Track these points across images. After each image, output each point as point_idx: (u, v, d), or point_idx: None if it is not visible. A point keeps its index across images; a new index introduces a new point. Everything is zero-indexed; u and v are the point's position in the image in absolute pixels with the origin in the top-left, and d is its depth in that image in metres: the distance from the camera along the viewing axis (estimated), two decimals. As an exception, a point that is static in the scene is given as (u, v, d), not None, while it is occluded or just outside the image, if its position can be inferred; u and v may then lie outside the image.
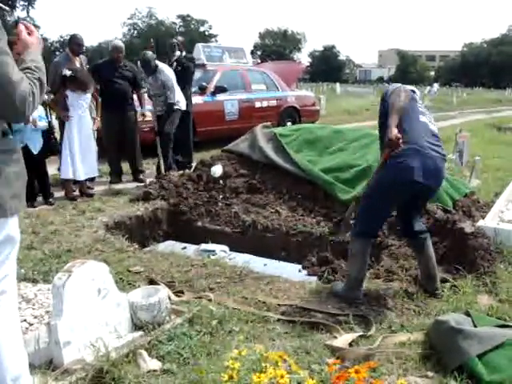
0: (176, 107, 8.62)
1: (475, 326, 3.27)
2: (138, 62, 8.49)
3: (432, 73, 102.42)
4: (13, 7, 48.39)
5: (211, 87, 12.37)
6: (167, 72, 8.45)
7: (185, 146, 9.65)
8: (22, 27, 2.38)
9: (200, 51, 13.45)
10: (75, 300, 2.94)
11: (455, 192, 5.95)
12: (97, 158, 7.78)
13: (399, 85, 4.13)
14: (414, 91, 4.26)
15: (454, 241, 4.83)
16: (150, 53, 8.36)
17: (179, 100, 8.72)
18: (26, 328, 3.19)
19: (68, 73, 7.31)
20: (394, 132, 3.71)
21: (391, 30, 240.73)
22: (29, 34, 2.39)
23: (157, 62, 8.43)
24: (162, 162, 8.60)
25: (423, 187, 3.90)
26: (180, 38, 10.31)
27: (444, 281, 4.29)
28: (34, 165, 6.53)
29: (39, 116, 6.80)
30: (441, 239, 4.96)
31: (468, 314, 3.49)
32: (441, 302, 4.00)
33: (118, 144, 8.55)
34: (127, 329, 3.31)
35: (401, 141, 3.72)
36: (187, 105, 9.25)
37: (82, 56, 8.40)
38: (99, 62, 9.34)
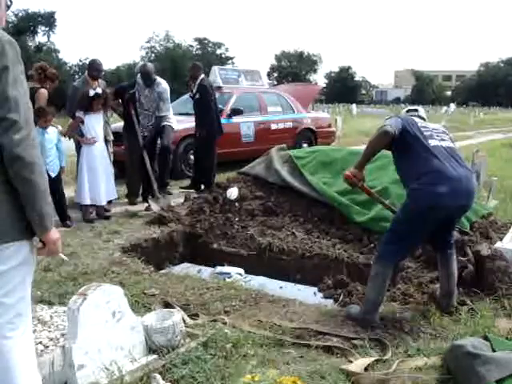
0: (166, 123, 8.60)
1: (494, 351, 3.23)
2: (138, 76, 8.43)
3: (449, 93, 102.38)
4: (34, 33, 49.24)
5: (227, 109, 12.43)
6: (164, 85, 8.46)
7: (207, 169, 9.67)
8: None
9: (216, 74, 13.53)
10: (90, 323, 2.95)
11: (472, 213, 5.89)
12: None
13: (389, 122, 4.03)
14: (416, 110, 4.26)
15: (470, 263, 4.78)
16: (150, 64, 8.42)
17: (170, 117, 8.76)
18: (42, 350, 3.19)
19: (92, 92, 7.44)
20: (348, 172, 4.03)
21: (407, 50, 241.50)
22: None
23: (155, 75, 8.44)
24: (153, 179, 8.32)
25: (456, 208, 3.90)
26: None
27: (462, 303, 4.25)
28: (51, 187, 6.58)
29: (57, 137, 6.94)
30: (457, 261, 4.91)
31: (486, 338, 3.44)
32: (458, 326, 3.95)
33: (140, 165, 8.58)
34: (141, 352, 3.31)
35: (356, 181, 4.01)
36: (215, 128, 9.37)
37: (100, 80, 8.50)
38: (123, 84, 9.46)
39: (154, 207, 7.81)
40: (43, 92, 7.43)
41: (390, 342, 3.64)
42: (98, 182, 7.37)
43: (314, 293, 5.29)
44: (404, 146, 3.97)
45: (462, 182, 3.84)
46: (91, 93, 7.46)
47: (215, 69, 13.96)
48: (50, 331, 3.46)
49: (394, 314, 4.12)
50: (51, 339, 3.35)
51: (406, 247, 4.07)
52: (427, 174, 3.81)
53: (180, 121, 10.37)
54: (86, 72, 8.61)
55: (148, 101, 8.42)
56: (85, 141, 7.47)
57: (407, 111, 4.68)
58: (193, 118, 10.17)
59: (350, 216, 6.14)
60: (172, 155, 9.21)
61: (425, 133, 4.03)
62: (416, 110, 4.51)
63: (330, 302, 4.85)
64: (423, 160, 3.87)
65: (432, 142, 3.97)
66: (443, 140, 4.06)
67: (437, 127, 4.27)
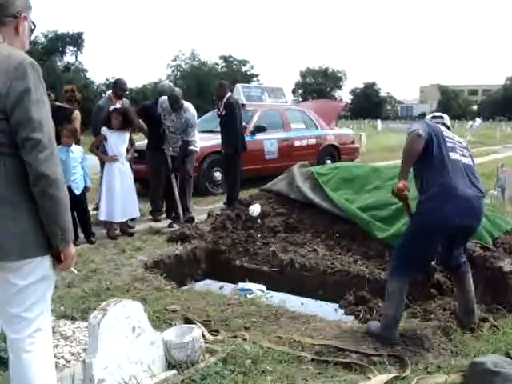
0: (192, 147, 8.55)
1: (516, 368, 3.20)
2: (161, 98, 8.43)
3: (475, 107, 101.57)
4: (63, 53, 50.06)
5: (250, 127, 12.49)
6: (192, 110, 8.39)
7: (231, 186, 9.78)
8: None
9: (239, 91, 13.63)
10: (110, 338, 2.99)
11: (495, 229, 5.85)
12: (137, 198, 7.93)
13: (418, 126, 3.98)
14: (442, 117, 4.23)
15: (492, 279, 4.75)
16: (178, 89, 8.37)
17: (196, 141, 8.71)
18: (63, 365, 3.25)
19: (112, 107, 7.57)
20: (400, 184, 3.82)
21: (433, 65, 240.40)
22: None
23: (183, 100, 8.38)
24: (179, 203, 8.35)
25: (460, 228, 3.87)
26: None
27: (483, 320, 4.22)
28: (76, 203, 6.69)
29: (82, 156, 7.07)
30: (479, 277, 4.88)
31: (509, 356, 3.42)
32: (480, 343, 3.92)
33: (164, 183, 8.67)
34: (161, 367, 3.34)
35: (407, 193, 3.83)
36: (240, 145, 9.50)
37: (124, 99, 8.62)
38: (147, 102, 9.59)
39: (177, 225, 7.92)
40: (78, 114, 7.65)
41: (410, 358, 3.63)
42: (115, 199, 7.46)
43: (335, 309, 5.29)
44: (426, 153, 3.90)
45: (470, 203, 3.80)
46: (110, 108, 7.60)
47: (239, 86, 14.09)
48: (72, 346, 3.53)
49: (414, 330, 4.09)
50: (73, 354, 3.42)
51: (416, 261, 4.05)
52: (437, 188, 3.79)
53: (204, 138, 10.48)
54: (111, 91, 8.76)
55: (174, 125, 8.39)
56: (106, 158, 7.58)
57: (432, 117, 4.56)
58: (217, 136, 10.31)
59: (372, 232, 6.13)
60: (196, 172, 9.25)
61: (448, 144, 3.99)
62: (441, 117, 4.44)
63: (350, 318, 4.85)
64: (438, 173, 3.84)
65: (452, 155, 3.93)
66: (464, 156, 4.03)
67: (461, 140, 4.23)
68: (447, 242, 4.07)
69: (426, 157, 3.90)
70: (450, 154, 3.94)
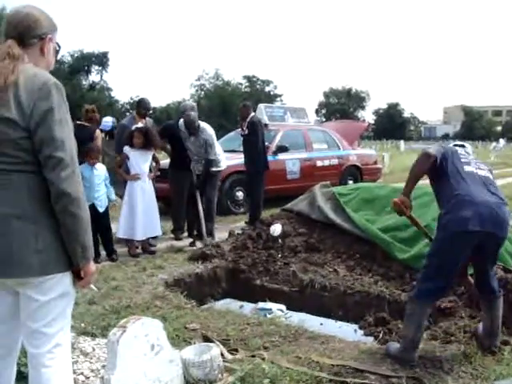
0: (214, 168, 8.52)
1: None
2: (180, 121, 8.43)
3: (499, 128, 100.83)
4: (88, 72, 50.88)
5: (273, 147, 12.54)
6: (209, 130, 8.35)
7: (252, 205, 9.85)
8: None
9: (262, 111, 13.70)
10: (129, 355, 3.01)
11: (518, 250, 5.79)
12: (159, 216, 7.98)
13: (434, 148, 4.07)
14: (463, 145, 4.23)
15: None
16: (193, 113, 8.33)
17: (221, 159, 8.68)
18: (83, 381, 3.28)
19: (134, 126, 7.67)
20: (396, 199, 3.95)
21: (456, 86, 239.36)
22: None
23: (199, 121, 8.35)
24: (203, 222, 8.26)
25: (483, 235, 3.80)
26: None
27: (505, 343, 4.17)
28: (99, 221, 6.76)
29: (106, 174, 7.18)
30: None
31: (529, 380, 3.38)
32: (500, 366, 3.87)
33: (187, 202, 8.71)
34: (179, 385, 3.36)
35: (404, 209, 3.93)
36: (262, 164, 9.59)
37: (148, 119, 8.71)
38: (170, 122, 9.69)
39: (199, 244, 7.95)
40: (100, 133, 7.80)
41: (429, 381, 3.60)
42: (136, 217, 7.52)
43: (355, 330, 5.27)
44: (441, 172, 3.93)
45: (488, 208, 3.73)
46: (133, 127, 7.70)
47: (261, 106, 14.18)
48: (91, 362, 3.56)
49: (434, 352, 4.06)
50: (92, 370, 3.45)
51: (442, 283, 3.96)
52: (454, 198, 3.76)
53: (226, 157, 10.53)
54: (135, 110, 8.87)
55: (195, 147, 8.38)
56: (128, 177, 7.65)
57: (454, 145, 4.53)
58: (239, 155, 10.40)
59: (392, 253, 6.11)
60: (218, 191, 9.26)
61: (462, 159, 4.00)
62: (463, 146, 4.46)
63: (370, 339, 4.82)
64: (454, 185, 3.83)
65: (467, 168, 3.93)
66: (480, 169, 4.01)
67: (479, 160, 4.23)
68: (476, 258, 4.00)
69: (441, 175, 3.93)
70: (465, 167, 3.94)
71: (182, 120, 8.35)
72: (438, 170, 3.94)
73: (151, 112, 9.35)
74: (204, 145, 8.26)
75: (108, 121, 10.19)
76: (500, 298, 4.12)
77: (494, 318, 4.09)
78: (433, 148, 4.00)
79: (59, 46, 2.67)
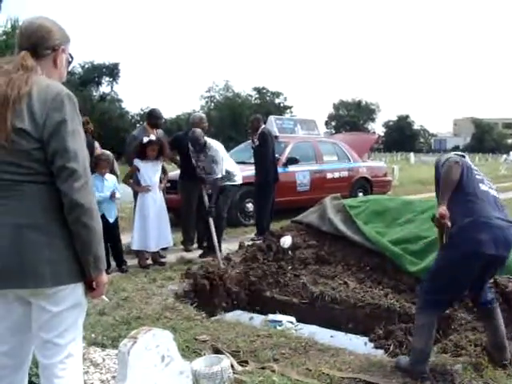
0: (230, 183, 8.46)
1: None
2: (188, 139, 8.29)
3: (510, 140, 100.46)
4: (99, 83, 51.15)
5: (283, 159, 12.54)
6: (215, 146, 8.23)
7: (260, 216, 9.87)
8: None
9: (272, 123, 13.71)
10: (139, 366, 3.01)
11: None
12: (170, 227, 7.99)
13: (451, 155, 4.07)
14: (463, 156, 4.21)
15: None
16: (198, 130, 8.20)
17: (235, 174, 8.57)
18: (93, 392, 3.28)
19: (145, 139, 7.69)
20: (441, 210, 3.75)
21: (467, 98, 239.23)
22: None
23: (205, 138, 8.23)
24: (217, 246, 7.76)
25: (493, 258, 3.82)
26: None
27: (516, 357, 4.14)
28: (109, 231, 6.78)
29: (115, 185, 7.20)
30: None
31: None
32: (512, 380, 3.85)
33: (197, 213, 8.71)
34: (189, 397, 3.35)
35: (447, 221, 3.73)
36: (271, 176, 9.66)
37: (159, 130, 8.72)
38: (179, 133, 9.72)
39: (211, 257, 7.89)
40: (98, 145, 7.91)
41: (440, 394, 3.58)
42: (149, 228, 7.54)
43: (365, 343, 5.24)
44: (458, 184, 3.89)
45: (504, 232, 3.77)
46: (145, 140, 7.72)
47: (272, 118, 14.21)
48: (101, 373, 3.57)
49: (444, 365, 4.04)
50: (102, 381, 3.45)
51: (447, 297, 3.99)
52: (471, 219, 3.77)
53: (236, 169, 10.59)
54: (146, 121, 8.90)
55: (205, 163, 8.23)
56: (139, 189, 7.68)
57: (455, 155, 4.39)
58: (249, 167, 10.43)
59: (403, 266, 6.08)
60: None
61: (477, 176, 4.00)
62: (463, 156, 4.44)
63: (380, 352, 4.80)
64: (470, 203, 3.82)
65: (482, 187, 3.94)
66: (491, 188, 4.03)
67: (484, 176, 4.21)
68: (479, 275, 4.01)
69: (458, 188, 3.89)
70: (480, 185, 3.95)
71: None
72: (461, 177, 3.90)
73: (164, 121, 9.37)
74: (211, 161, 8.12)
75: None
76: (497, 307, 4.12)
77: (495, 329, 4.08)
78: (454, 157, 3.96)
79: (72, 57, 2.69)
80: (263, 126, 10.05)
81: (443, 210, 3.78)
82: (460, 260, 3.81)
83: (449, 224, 3.80)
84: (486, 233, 3.73)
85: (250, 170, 10.37)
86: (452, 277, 3.88)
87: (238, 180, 8.77)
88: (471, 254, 3.77)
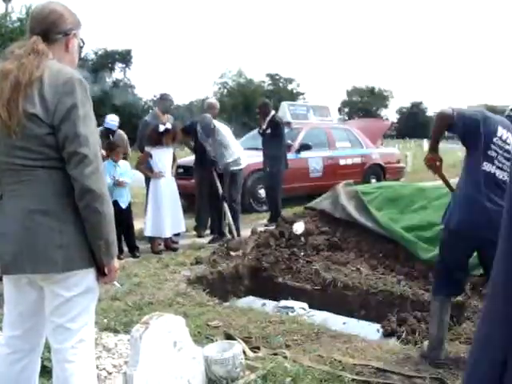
0: (235, 167, 8.43)
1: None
2: (198, 124, 8.42)
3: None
4: (112, 69, 51.28)
5: (296, 145, 12.52)
6: (223, 131, 8.32)
7: (272, 203, 9.88)
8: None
9: (285, 109, 13.67)
10: (151, 351, 3.01)
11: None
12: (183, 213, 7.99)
13: (471, 113, 3.83)
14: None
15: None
16: (208, 115, 8.30)
17: (238, 157, 8.51)
18: (105, 377, 3.29)
19: (162, 128, 7.68)
20: (429, 156, 3.97)
21: (480, 84, 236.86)
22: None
23: (214, 121, 8.31)
24: (231, 222, 8.18)
25: (479, 240, 3.73)
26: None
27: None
28: (121, 217, 6.80)
29: (125, 171, 7.20)
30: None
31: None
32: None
33: (209, 199, 8.71)
34: (201, 382, 3.35)
35: (438, 163, 3.94)
36: (282, 163, 9.65)
37: (169, 115, 8.69)
38: (195, 119, 9.70)
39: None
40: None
41: (452, 382, 3.56)
42: (163, 215, 7.55)
43: (378, 329, 5.21)
44: (467, 151, 3.88)
45: (489, 213, 3.61)
46: (161, 128, 7.70)
47: (284, 104, 14.16)
48: (113, 358, 3.57)
49: (457, 353, 4.02)
50: (115, 366, 3.46)
51: (454, 277, 3.93)
52: (465, 200, 3.75)
53: (249, 155, 10.52)
54: (157, 107, 8.88)
55: (214, 148, 8.32)
56: (152, 175, 7.68)
57: (507, 116, 4.07)
58: (261, 153, 10.35)
59: (416, 252, 6.06)
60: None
61: (489, 152, 3.71)
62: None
63: (392, 339, 4.78)
64: (468, 181, 3.79)
65: (486, 167, 3.71)
66: (501, 169, 3.72)
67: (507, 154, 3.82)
68: (481, 259, 3.99)
69: (467, 155, 3.89)
70: (484, 163, 3.71)
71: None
72: (466, 143, 3.85)
73: (173, 107, 9.34)
74: (220, 145, 8.23)
75: (114, 120, 9.81)
76: None
77: None
78: (459, 109, 3.78)
79: (83, 43, 2.67)
80: (273, 112, 10.00)
81: (429, 156, 3.98)
82: (448, 238, 3.88)
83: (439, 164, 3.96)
84: (467, 212, 3.71)
85: (261, 157, 10.33)
86: (445, 256, 3.93)
87: (243, 163, 8.76)
88: (454, 232, 3.80)
